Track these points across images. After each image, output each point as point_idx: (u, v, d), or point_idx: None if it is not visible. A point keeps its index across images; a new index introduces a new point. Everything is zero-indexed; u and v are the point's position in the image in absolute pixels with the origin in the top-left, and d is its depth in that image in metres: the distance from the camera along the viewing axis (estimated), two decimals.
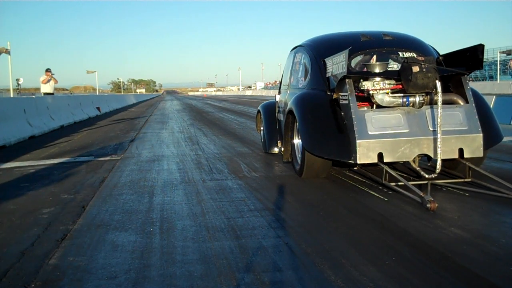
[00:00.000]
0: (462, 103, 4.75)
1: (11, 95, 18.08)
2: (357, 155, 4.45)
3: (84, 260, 3.00)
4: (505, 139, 8.65)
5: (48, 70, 16.61)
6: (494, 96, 13.17)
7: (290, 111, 5.34)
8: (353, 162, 4.55)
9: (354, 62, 5.25)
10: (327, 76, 5.16)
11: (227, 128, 12.88)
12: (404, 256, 2.96)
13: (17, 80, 19.93)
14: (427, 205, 3.83)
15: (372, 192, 4.65)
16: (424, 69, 4.38)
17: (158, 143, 9.51)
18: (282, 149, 6.24)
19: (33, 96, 15.42)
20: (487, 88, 27.49)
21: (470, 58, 4.87)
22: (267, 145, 7.03)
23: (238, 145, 8.81)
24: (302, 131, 4.91)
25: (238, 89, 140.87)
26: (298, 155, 5.36)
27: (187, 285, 2.61)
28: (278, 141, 6.72)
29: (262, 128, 7.34)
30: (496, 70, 37.24)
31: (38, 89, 17.10)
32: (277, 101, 6.99)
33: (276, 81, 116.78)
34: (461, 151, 4.54)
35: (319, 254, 3.00)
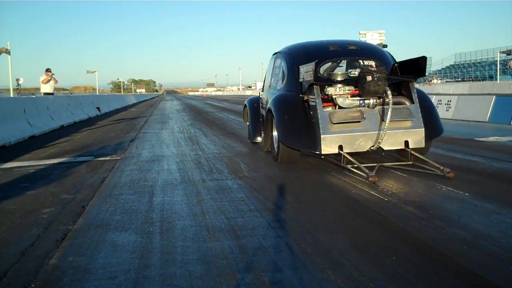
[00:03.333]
0: (408, 104, 5.73)
1: (11, 95, 18.08)
2: (322, 147, 5.49)
3: (84, 260, 3.00)
4: (505, 139, 8.70)
5: (48, 70, 16.61)
6: (494, 96, 13.18)
7: (269, 110, 6.37)
8: (318, 152, 5.57)
9: (323, 69, 6.29)
10: (300, 81, 6.13)
11: (227, 128, 12.88)
12: (404, 256, 2.96)
13: (17, 80, 19.93)
14: (370, 179, 4.96)
15: (372, 192, 4.65)
16: (375, 78, 5.46)
17: (158, 143, 9.51)
18: (256, 137, 7.75)
19: (33, 96, 15.43)
20: (487, 88, 27.50)
21: (416, 67, 5.90)
22: (251, 135, 8.00)
23: (238, 145, 8.81)
24: (278, 127, 5.92)
25: (238, 89, 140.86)
26: (275, 145, 6.37)
27: (187, 285, 2.61)
28: (262, 132, 7.53)
29: (247, 120, 8.34)
30: (496, 70, 37.26)
31: (38, 89, 17.11)
32: (260, 98, 7.99)
33: None
34: (406, 142, 5.60)
35: (319, 254, 3.01)
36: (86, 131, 12.75)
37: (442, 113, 14.53)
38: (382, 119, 5.48)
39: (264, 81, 8.10)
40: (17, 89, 20.19)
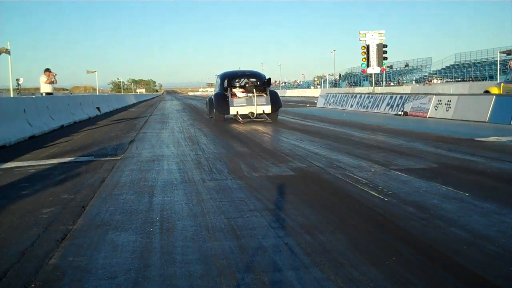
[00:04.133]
0: (265, 96, 13.86)
1: (11, 95, 18.07)
2: (230, 112, 13.69)
3: (84, 260, 3.00)
4: (505, 139, 8.71)
5: (48, 70, 16.61)
6: (494, 96, 13.17)
7: (212, 99, 15.09)
8: (229, 114, 13.71)
9: (234, 81, 14.36)
10: (224, 86, 14.27)
11: (227, 128, 12.88)
12: (404, 256, 2.96)
13: (17, 80, 19.92)
14: (240, 121, 13.59)
15: (372, 192, 4.65)
16: (249, 85, 14.09)
17: (158, 143, 9.51)
18: (211, 114, 15.32)
19: (33, 96, 15.42)
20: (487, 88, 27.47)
21: (269, 82, 14.57)
22: (208, 113, 16.20)
23: (238, 145, 8.81)
24: (215, 104, 14.23)
25: None
26: (214, 113, 14.51)
27: (187, 285, 2.61)
28: (217, 112, 14.35)
29: (207, 107, 16.71)
30: (496, 70, 37.25)
31: (38, 89, 17.10)
32: (212, 95, 15.74)
33: (276, 81, 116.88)
34: (263, 111, 13.64)
35: (319, 254, 3.01)
36: (86, 131, 12.75)
37: (442, 113, 14.54)
38: (253, 102, 13.66)
39: (214, 88, 16.59)
40: (17, 89, 20.19)
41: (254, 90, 13.75)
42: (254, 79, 14.39)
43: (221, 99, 14.03)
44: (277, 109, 13.95)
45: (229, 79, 14.47)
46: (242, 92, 14.04)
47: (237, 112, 13.67)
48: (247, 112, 13.69)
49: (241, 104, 13.73)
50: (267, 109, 13.71)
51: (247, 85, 14.13)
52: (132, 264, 2.92)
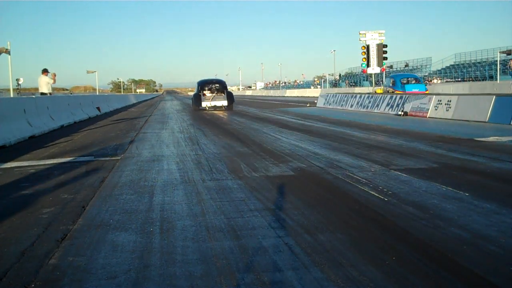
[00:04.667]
0: (223, 95, 23.05)
1: (11, 95, 18.06)
2: (202, 106, 22.72)
3: (84, 260, 3.00)
4: (505, 139, 8.71)
5: (46, 70, 16.60)
6: (494, 96, 13.17)
7: (192, 98, 25.88)
8: (201, 106, 22.71)
9: (205, 86, 23.40)
10: (199, 89, 23.44)
11: (227, 128, 12.89)
12: (404, 256, 2.96)
13: (17, 80, 19.90)
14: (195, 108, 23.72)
15: (372, 192, 4.65)
16: (212, 87, 23.30)
17: (158, 143, 9.51)
18: (193, 107, 24.49)
19: (33, 96, 15.40)
20: (487, 88, 27.52)
21: (225, 86, 24.29)
22: (192, 106, 24.47)
23: (238, 145, 8.81)
24: (192, 101, 24.58)
25: (238, 89, 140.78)
26: (193, 106, 24.43)
27: (187, 285, 2.61)
28: (194, 105, 23.49)
29: (192, 102, 24.87)
30: (496, 70, 37.23)
31: (38, 89, 17.09)
32: (194, 94, 24.40)
33: (276, 81, 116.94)
34: (222, 105, 22.87)
35: (319, 254, 3.01)
36: (86, 131, 12.75)
37: (442, 113, 14.54)
38: (215, 99, 22.66)
39: (195, 90, 24.74)
40: (17, 89, 20.17)
41: (216, 92, 22.90)
42: (218, 85, 23.26)
43: (197, 98, 23.21)
44: (231, 103, 23.23)
45: (202, 85, 23.26)
46: (210, 93, 22.91)
47: (206, 105, 22.64)
48: (212, 105, 22.63)
49: (208, 101, 22.67)
50: (225, 103, 22.74)
51: (212, 88, 23.01)
52: (132, 264, 2.92)
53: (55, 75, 16.91)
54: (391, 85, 29.63)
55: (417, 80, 30.30)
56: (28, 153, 8.16)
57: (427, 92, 26.19)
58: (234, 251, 3.10)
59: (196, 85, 23.89)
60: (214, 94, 22.74)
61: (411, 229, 3.49)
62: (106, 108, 24.24)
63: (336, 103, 24.30)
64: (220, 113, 20.67)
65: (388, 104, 18.56)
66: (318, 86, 74.52)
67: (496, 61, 37.33)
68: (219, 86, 23.12)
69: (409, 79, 30.39)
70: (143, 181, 5.51)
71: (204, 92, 22.78)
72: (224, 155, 7.55)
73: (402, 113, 16.53)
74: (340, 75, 78.03)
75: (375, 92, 27.17)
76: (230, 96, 23.19)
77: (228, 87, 24.18)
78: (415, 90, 26.31)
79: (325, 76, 78.59)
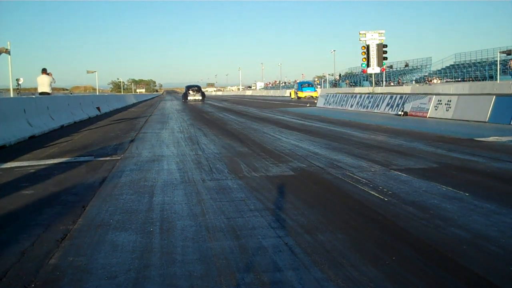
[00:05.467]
0: (200, 93, 43.39)
1: (11, 95, 18.07)
2: (187, 100, 41.88)
3: (84, 260, 3.00)
4: (505, 139, 8.71)
5: (46, 70, 16.60)
6: (494, 96, 13.17)
7: (183, 94, 46.63)
8: (187, 100, 41.99)
9: (189, 88, 44.55)
10: (186, 89, 44.79)
11: (227, 128, 12.89)
12: (404, 256, 2.96)
13: (17, 80, 19.91)
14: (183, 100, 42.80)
15: (372, 192, 4.65)
16: (196, 89, 44.25)
17: (158, 143, 9.52)
18: (183, 99, 44.02)
19: (33, 96, 15.41)
20: (487, 88, 27.49)
21: (200, 88, 46.14)
22: (182, 100, 43.87)
23: (238, 145, 8.81)
24: (182, 97, 45.29)
25: (238, 89, 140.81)
26: (182, 100, 43.81)
27: (187, 285, 2.61)
28: (183, 99, 42.51)
29: (182, 97, 44.92)
30: (496, 70, 37.24)
31: (37, 88, 17.10)
32: (184, 93, 45.21)
33: (276, 81, 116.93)
34: (199, 99, 42.31)
35: (319, 254, 3.01)
36: (86, 131, 12.75)
37: (442, 113, 14.54)
38: (194, 96, 42.21)
39: (184, 90, 47.03)
40: (17, 89, 20.18)
41: (195, 91, 41.83)
42: (196, 87, 43.04)
43: (185, 95, 42.23)
44: (203, 98, 41.81)
45: (188, 88, 42.96)
46: (192, 92, 41.74)
47: (190, 99, 40.75)
48: (193, 99, 40.75)
49: (191, 97, 41.12)
50: (200, 98, 40.93)
51: (193, 89, 42.29)
52: (132, 264, 2.92)
53: (51, 75, 16.90)
54: (296, 88, 49.77)
55: (310, 85, 49.77)
56: (28, 153, 8.16)
57: (315, 93, 43.84)
58: (234, 251, 3.10)
59: (185, 88, 44.25)
60: (193, 93, 41.93)
61: (411, 229, 3.49)
62: (106, 108, 24.24)
63: (336, 103, 24.31)
64: (220, 113, 20.67)
65: (388, 104, 18.56)
66: (318, 86, 74.55)
67: (496, 61, 37.33)
68: (197, 89, 43.00)
69: (306, 84, 49.35)
70: (143, 181, 5.51)
71: (189, 91, 42.17)
72: (224, 155, 7.55)
73: (402, 113, 16.54)
74: (340, 75, 78.03)
75: (290, 94, 51.69)
76: (203, 94, 42.79)
77: (202, 89, 46.04)
78: (308, 91, 45.86)
79: (325, 76, 78.62)
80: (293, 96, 48.30)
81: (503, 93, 19.07)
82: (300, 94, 45.83)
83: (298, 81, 66.88)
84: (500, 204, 4.14)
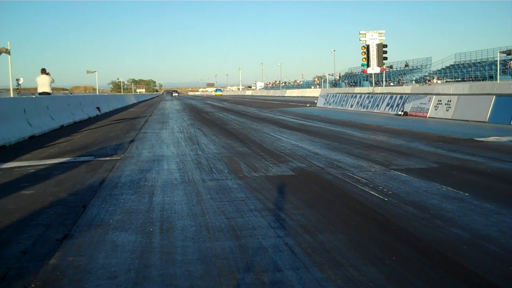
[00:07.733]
0: (178, 92, 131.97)
1: (11, 95, 18.07)
2: (172, 96, 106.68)
3: (84, 260, 3.00)
4: (505, 139, 8.71)
5: (45, 70, 16.60)
6: (494, 96, 13.18)
7: (167, 93, 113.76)
8: (171, 96, 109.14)
9: (172, 91, 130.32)
10: (171, 91, 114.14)
11: (227, 128, 12.89)
12: (404, 256, 2.96)
13: (17, 80, 19.93)
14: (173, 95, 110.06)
15: (372, 192, 4.65)
16: (177, 91, 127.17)
17: (158, 143, 9.52)
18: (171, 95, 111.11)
19: (33, 96, 15.41)
20: (487, 88, 27.49)
21: (176, 91, 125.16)
22: (170, 96, 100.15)
23: (238, 145, 8.81)
24: (166, 94, 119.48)
25: (238, 89, 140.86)
26: (166, 96, 79.09)
27: (187, 285, 2.61)
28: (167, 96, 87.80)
29: (170, 95, 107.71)
30: (496, 70, 37.24)
31: (37, 88, 17.10)
32: (168, 91, 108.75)
33: (276, 81, 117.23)
34: (176, 95, 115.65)
35: (319, 254, 3.01)
36: (86, 131, 12.75)
37: (442, 113, 14.54)
38: (173, 93, 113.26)
39: (172, 91, 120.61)
40: (17, 89, 20.19)
41: (176, 92, 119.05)
42: (176, 89, 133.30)
43: (170, 93, 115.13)
44: (177, 95, 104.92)
45: (171, 91, 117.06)
46: (174, 92, 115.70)
47: (173, 95, 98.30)
48: (174, 95, 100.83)
49: (174, 94, 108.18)
50: (177, 95, 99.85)
51: (176, 91, 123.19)
52: (132, 264, 2.92)
53: (50, 75, 16.88)
54: (215, 89, 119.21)
55: (219, 88, 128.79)
56: (28, 153, 8.16)
57: (221, 93, 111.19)
58: (234, 251, 3.10)
59: (169, 91, 77.39)
60: (173, 92, 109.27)
61: (411, 229, 3.49)
62: (106, 108, 24.24)
63: (336, 103, 24.31)
64: (220, 113, 20.67)
65: (388, 104, 18.56)
66: (318, 86, 74.52)
67: (496, 61, 37.33)
68: (177, 90, 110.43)
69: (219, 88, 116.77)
70: (143, 181, 5.51)
71: (173, 92, 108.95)
72: (224, 155, 7.55)
73: (402, 113, 16.54)
74: (340, 75, 78.03)
75: (204, 96, 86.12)
76: (178, 93, 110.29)
77: (214, 89, 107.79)
78: (218, 93, 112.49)
79: (325, 76, 78.60)
80: (215, 93, 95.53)
81: (503, 93, 19.06)
82: (215, 94, 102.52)
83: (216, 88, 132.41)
84: (500, 204, 4.14)
